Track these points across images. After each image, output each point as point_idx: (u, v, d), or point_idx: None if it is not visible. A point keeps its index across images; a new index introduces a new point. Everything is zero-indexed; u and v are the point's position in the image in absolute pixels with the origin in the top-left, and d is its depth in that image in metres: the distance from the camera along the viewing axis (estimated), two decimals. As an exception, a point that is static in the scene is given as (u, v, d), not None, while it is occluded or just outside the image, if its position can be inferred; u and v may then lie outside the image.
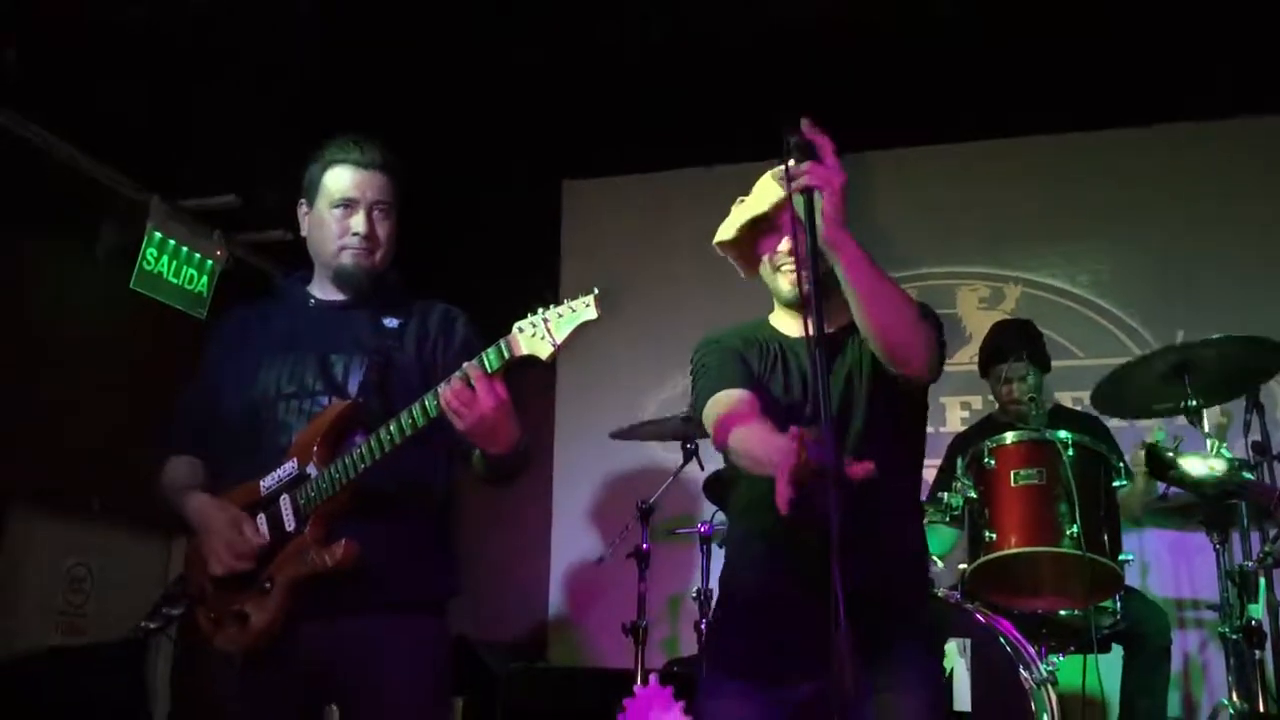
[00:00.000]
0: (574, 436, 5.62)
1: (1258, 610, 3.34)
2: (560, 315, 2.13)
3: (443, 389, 2.20)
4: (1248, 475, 2.42)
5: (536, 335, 2.13)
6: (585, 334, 6.30)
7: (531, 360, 2.17)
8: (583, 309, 2.13)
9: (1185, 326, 5.17)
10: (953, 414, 5.35)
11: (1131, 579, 4.75)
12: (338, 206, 2.49)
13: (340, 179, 2.50)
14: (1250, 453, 4.24)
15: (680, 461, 4.31)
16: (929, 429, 2.60)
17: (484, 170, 5.87)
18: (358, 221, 2.48)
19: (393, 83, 5.35)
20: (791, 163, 2.20)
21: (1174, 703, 4.62)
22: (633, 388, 5.65)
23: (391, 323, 2.52)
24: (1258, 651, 3.29)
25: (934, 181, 5.70)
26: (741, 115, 5.56)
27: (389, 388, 2.41)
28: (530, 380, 5.65)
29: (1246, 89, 5.19)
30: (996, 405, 4.45)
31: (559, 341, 2.12)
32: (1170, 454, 2.58)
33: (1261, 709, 3.26)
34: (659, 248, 5.80)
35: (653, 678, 3.78)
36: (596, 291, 2.16)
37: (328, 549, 2.29)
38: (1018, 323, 4.47)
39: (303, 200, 2.58)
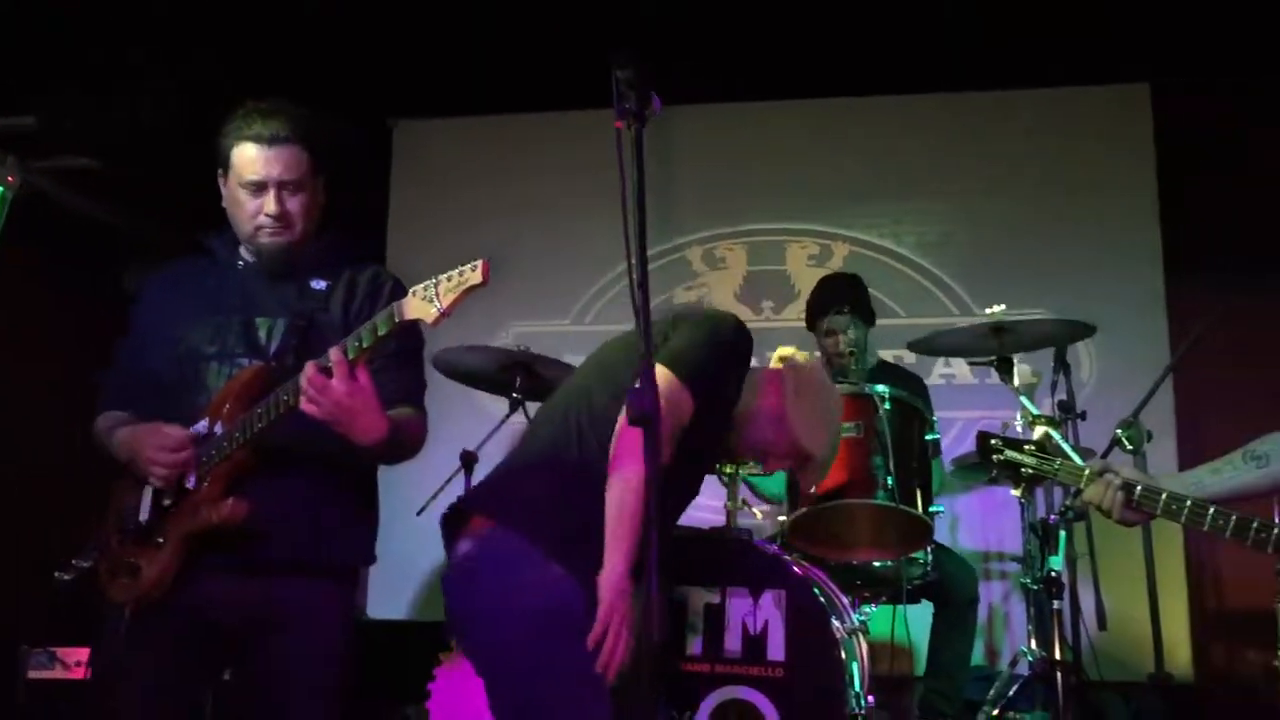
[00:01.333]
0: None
1: (1057, 561, 3.48)
2: (449, 280, 2.09)
3: (305, 373, 2.16)
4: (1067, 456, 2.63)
5: (426, 298, 2.09)
6: (416, 272, 6.13)
7: (416, 325, 2.13)
8: (470, 274, 2.08)
9: (1004, 288, 5.35)
10: (774, 368, 5.44)
11: (941, 534, 4.93)
12: (247, 187, 2.43)
13: (246, 157, 2.42)
14: (1056, 410, 4.45)
15: (506, 410, 4.22)
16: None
17: (311, 107, 5.62)
18: (269, 202, 2.42)
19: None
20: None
21: (978, 651, 4.81)
22: (462, 334, 5.50)
23: (319, 285, 2.50)
24: (1056, 601, 3.42)
25: (767, 137, 5.74)
26: (570, 61, 5.49)
27: (310, 351, 2.33)
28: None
29: (1075, 59, 5.38)
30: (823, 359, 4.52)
31: (444, 307, 2.07)
32: (996, 439, 2.73)
33: (1057, 655, 3.40)
34: (490, 190, 5.70)
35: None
36: (487, 259, 2.10)
37: (216, 506, 2.28)
38: (844, 276, 4.52)
39: (220, 169, 2.48)
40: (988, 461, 2.72)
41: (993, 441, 2.68)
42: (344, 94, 5.63)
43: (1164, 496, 2.31)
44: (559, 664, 2.15)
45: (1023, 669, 3.72)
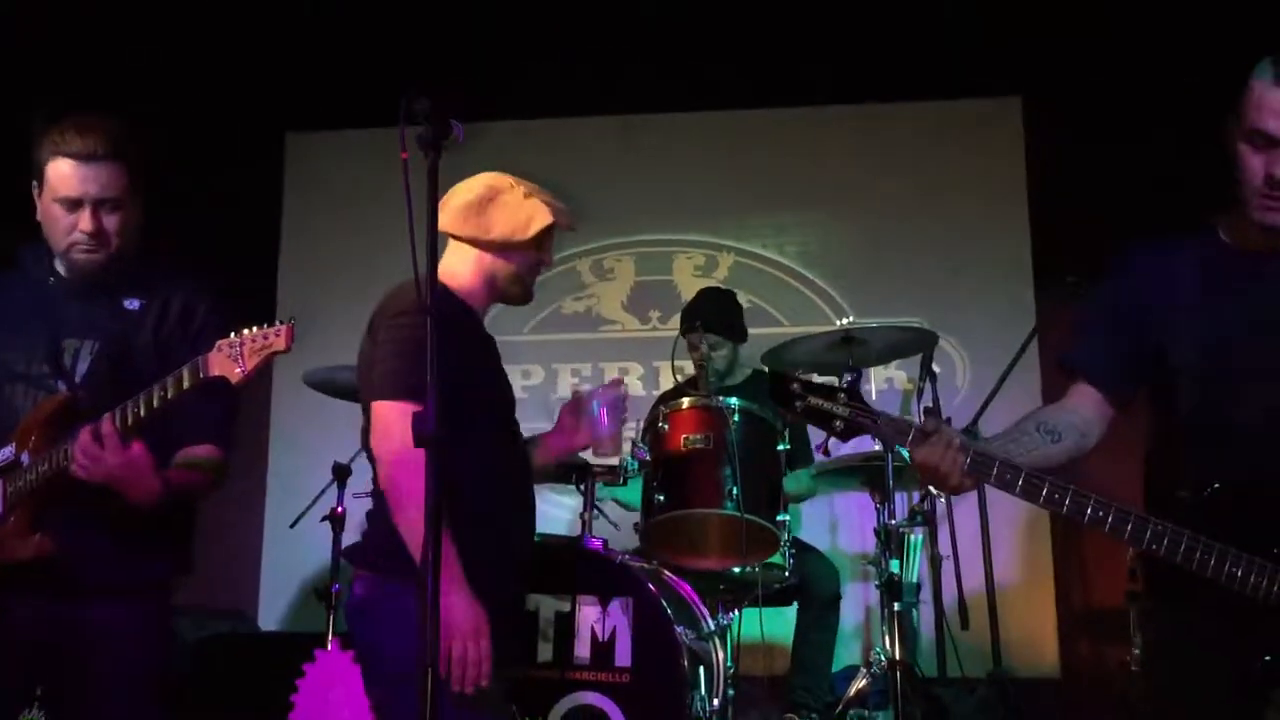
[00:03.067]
0: (291, 393, 5.49)
1: (895, 565, 3.60)
2: (254, 342, 2.14)
3: (80, 435, 2.22)
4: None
5: (231, 356, 2.15)
6: (303, 289, 6.14)
7: (222, 380, 2.17)
8: (275, 339, 2.14)
9: (883, 298, 5.51)
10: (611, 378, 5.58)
11: (821, 535, 5.07)
12: (62, 203, 2.39)
13: (61, 174, 2.38)
14: (922, 417, 4.59)
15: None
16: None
17: (204, 122, 5.65)
18: (84, 220, 2.39)
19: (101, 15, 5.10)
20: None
21: (854, 652, 4.95)
22: (352, 345, 5.55)
23: (132, 304, 2.48)
24: (896, 603, 3.54)
25: (654, 150, 5.84)
26: (480, 71, 5.57)
27: (120, 376, 2.37)
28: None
29: (950, 72, 5.53)
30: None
31: (247, 369, 2.14)
32: (796, 384, 2.16)
33: (896, 656, 3.52)
34: (383, 203, 5.73)
35: (334, 642, 3.78)
36: (292, 321, 2.18)
37: (24, 541, 2.31)
38: (713, 292, 4.61)
39: (34, 180, 2.46)
40: (786, 409, 2.19)
41: (793, 387, 2.15)
42: (239, 105, 5.68)
43: (996, 463, 2.07)
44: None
45: (878, 669, 3.85)
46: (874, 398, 4.49)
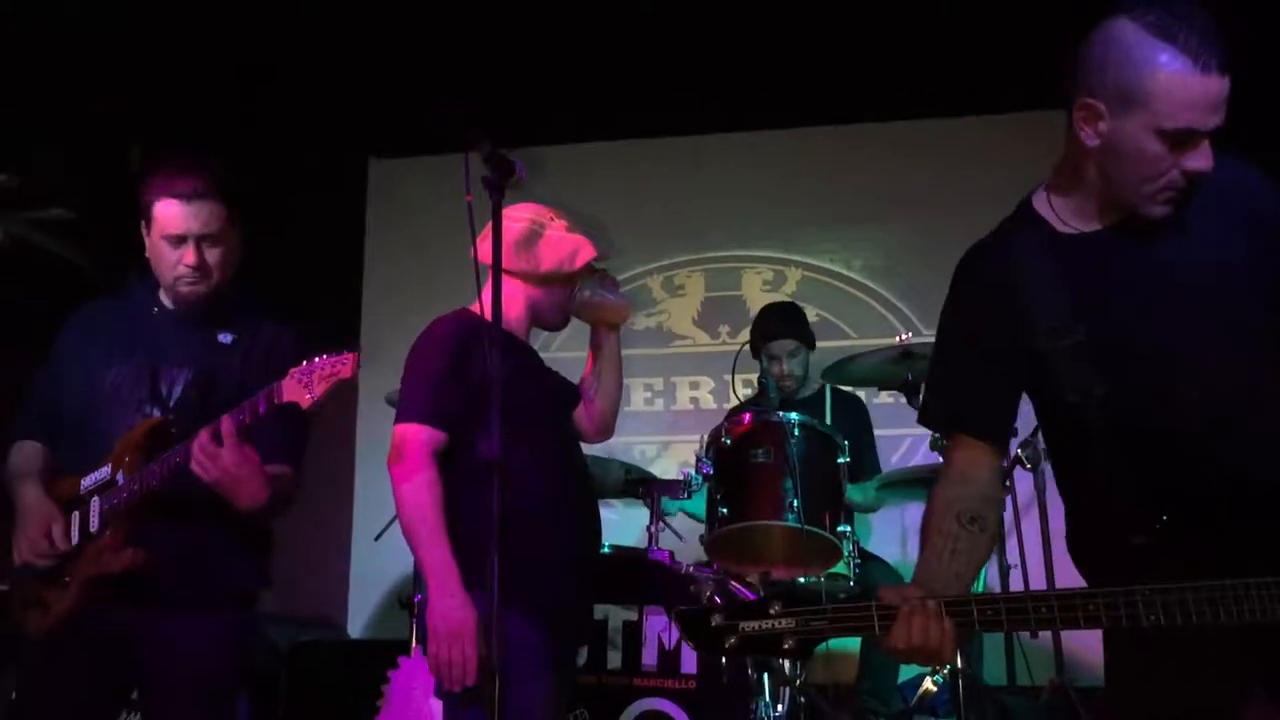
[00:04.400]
0: (375, 411, 5.72)
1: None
2: (323, 369, 2.30)
3: (196, 438, 2.38)
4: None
5: (302, 383, 2.31)
6: (386, 311, 6.35)
7: (294, 405, 2.33)
8: (341, 368, 2.30)
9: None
10: (683, 393, 5.75)
11: (891, 545, 5.13)
12: (168, 239, 2.57)
13: (167, 213, 2.56)
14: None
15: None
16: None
17: (289, 149, 5.91)
18: (188, 254, 2.56)
19: (185, 57, 5.37)
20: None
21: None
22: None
23: (226, 338, 2.67)
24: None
25: (722, 169, 5.97)
26: (555, 97, 5.77)
27: (209, 405, 2.53)
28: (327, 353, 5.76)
29: (1024, 84, 5.55)
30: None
31: (317, 395, 2.30)
32: (716, 616, 1.77)
33: (959, 664, 3.58)
34: (463, 226, 5.93)
35: (416, 649, 3.96)
36: (359, 350, 2.34)
37: (118, 554, 2.48)
38: (784, 305, 4.73)
39: (142, 219, 2.65)
40: (714, 652, 1.79)
41: (713, 622, 1.78)
42: (323, 131, 5.94)
43: (974, 604, 1.77)
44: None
45: (943, 677, 3.93)
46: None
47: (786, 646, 1.77)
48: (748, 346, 4.47)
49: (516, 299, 2.73)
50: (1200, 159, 1.82)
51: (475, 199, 2.26)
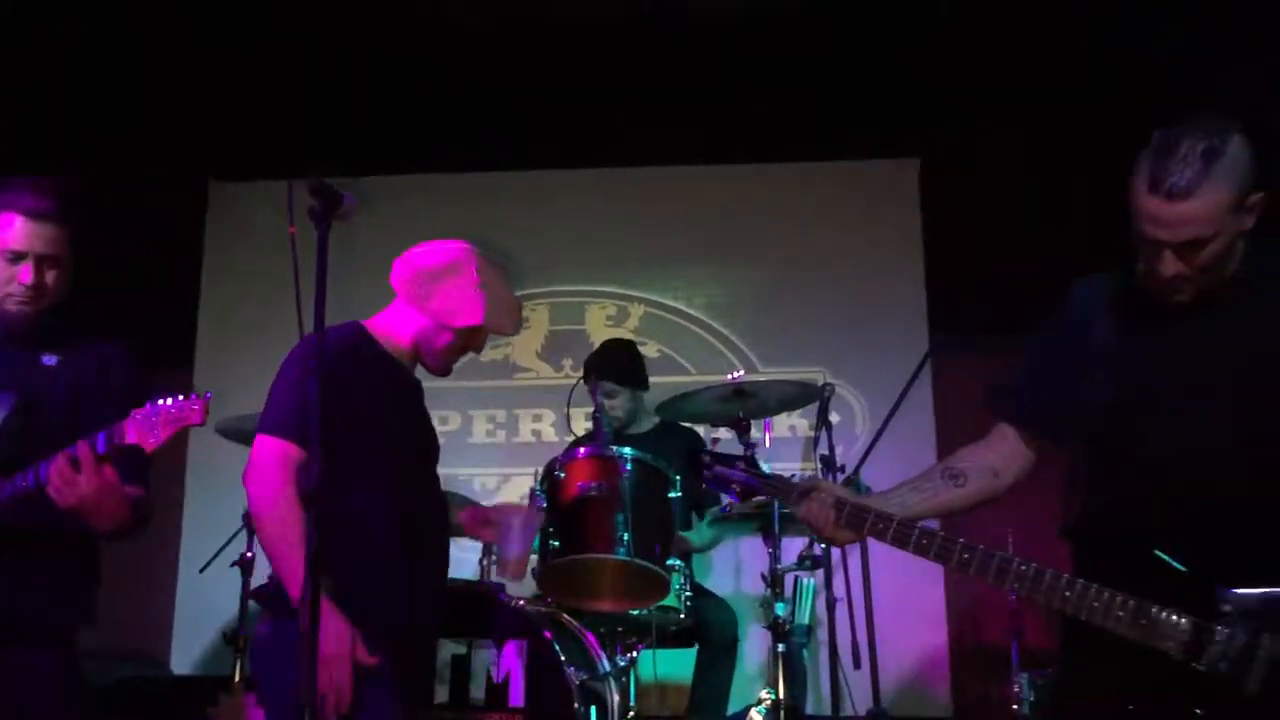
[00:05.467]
0: (205, 441, 5.56)
1: (781, 608, 3.77)
2: (169, 413, 2.26)
3: (53, 461, 2.30)
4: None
5: (146, 426, 2.25)
6: (220, 338, 6.18)
7: (136, 450, 2.27)
8: (190, 414, 2.27)
9: (787, 350, 5.75)
10: (525, 425, 5.79)
11: (725, 579, 5.24)
12: (4, 254, 2.49)
13: (9, 228, 2.49)
14: (819, 465, 4.80)
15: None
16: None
17: (126, 170, 5.75)
18: (25, 272, 2.49)
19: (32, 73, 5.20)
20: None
21: (757, 692, 5.10)
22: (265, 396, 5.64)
23: (49, 360, 2.58)
24: (781, 644, 3.71)
25: (569, 203, 6.04)
26: (397, 127, 5.74)
27: (33, 431, 2.45)
28: (160, 379, 5.59)
29: (870, 133, 5.81)
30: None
31: (161, 439, 2.26)
32: (706, 456, 2.53)
33: (781, 695, 3.68)
34: (302, 255, 5.85)
35: (237, 685, 3.87)
36: (209, 396, 2.31)
37: None
38: (618, 344, 4.79)
39: None
40: (699, 477, 2.54)
41: (704, 457, 2.51)
42: (162, 152, 5.79)
43: (871, 515, 2.22)
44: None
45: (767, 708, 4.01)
46: (769, 446, 4.66)
47: (735, 489, 2.45)
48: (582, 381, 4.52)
49: (408, 327, 2.68)
50: (1165, 266, 2.08)
51: (299, 230, 2.23)
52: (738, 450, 4.03)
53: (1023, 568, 2.12)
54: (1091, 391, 2.21)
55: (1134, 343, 2.20)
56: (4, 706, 2.44)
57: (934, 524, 2.42)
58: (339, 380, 2.38)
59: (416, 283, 2.65)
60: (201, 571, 4.44)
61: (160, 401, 2.28)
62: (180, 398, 2.28)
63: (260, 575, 4.42)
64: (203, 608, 5.31)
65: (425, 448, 2.82)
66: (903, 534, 2.20)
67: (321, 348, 2.24)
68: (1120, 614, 2.04)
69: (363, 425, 2.51)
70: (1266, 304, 2.13)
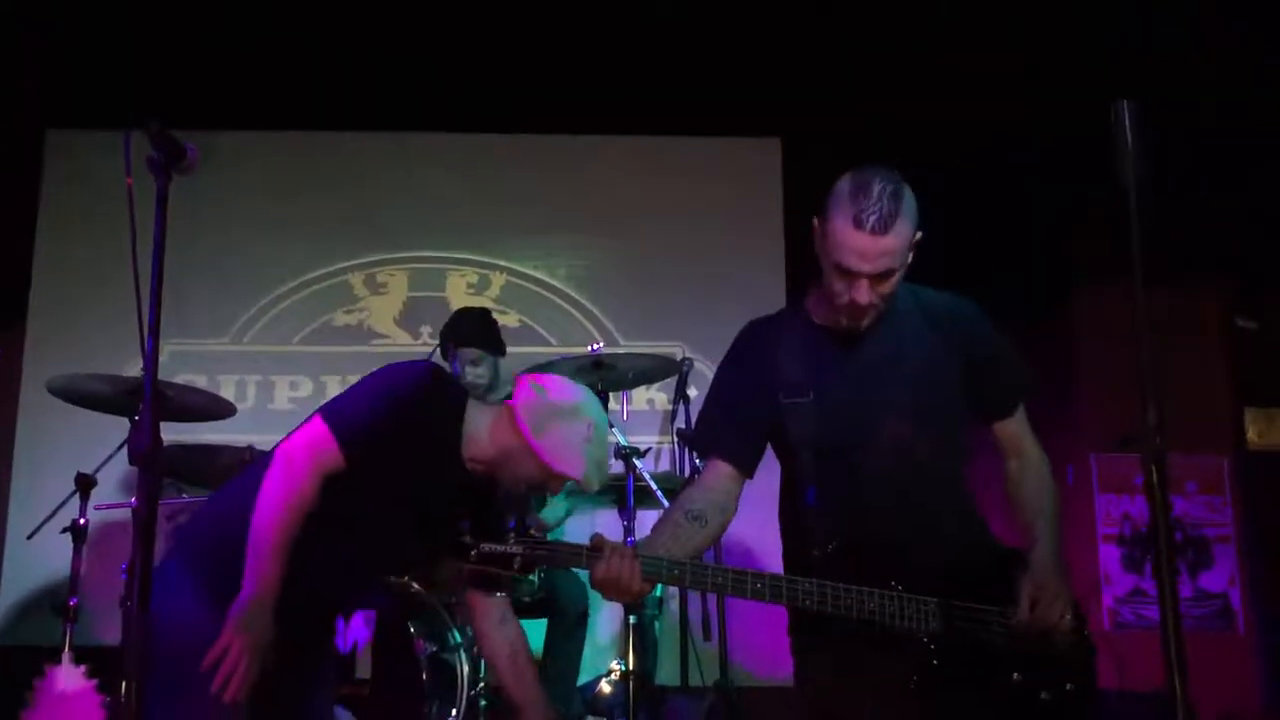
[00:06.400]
0: (36, 399, 5.30)
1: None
2: None
3: None
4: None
5: None
6: (56, 292, 5.91)
7: None
8: None
9: (647, 322, 5.77)
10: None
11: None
12: None
13: None
14: (676, 439, 4.84)
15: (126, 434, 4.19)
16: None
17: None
18: None
19: None
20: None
21: (608, 663, 5.13)
22: (114, 353, 5.38)
23: None
24: (632, 617, 3.73)
25: (431, 167, 5.92)
26: (252, 80, 5.53)
27: None
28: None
29: (717, 112, 5.83)
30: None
31: None
32: (466, 536, 2.29)
33: (631, 666, 3.70)
34: (141, 209, 5.60)
35: (66, 656, 3.71)
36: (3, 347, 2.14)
37: None
38: (467, 310, 4.73)
39: None
40: (462, 560, 2.23)
41: (464, 539, 2.24)
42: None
43: (664, 564, 2.23)
44: (180, 679, 2.27)
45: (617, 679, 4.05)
46: (626, 419, 4.68)
47: (515, 565, 2.21)
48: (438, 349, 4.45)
49: (501, 438, 2.56)
50: (860, 295, 2.31)
51: (136, 181, 2.12)
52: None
53: (807, 585, 2.24)
54: (794, 421, 2.40)
55: (825, 371, 2.42)
56: None
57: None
58: (410, 419, 2.43)
59: (539, 411, 2.55)
60: (29, 537, 4.22)
61: None
62: None
63: (95, 542, 4.25)
64: (29, 575, 5.09)
65: (395, 532, 2.65)
66: (699, 578, 2.27)
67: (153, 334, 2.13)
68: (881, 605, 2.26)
69: (366, 471, 2.44)
70: (908, 329, 2.46)
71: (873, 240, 2.26)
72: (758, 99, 5.75)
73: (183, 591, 2.39)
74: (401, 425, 2.45)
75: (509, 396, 4.52)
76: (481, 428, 2.57)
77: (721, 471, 2.47)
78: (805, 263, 5.71)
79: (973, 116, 5.39)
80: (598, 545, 2.23)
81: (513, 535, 2.22)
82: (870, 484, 2.39)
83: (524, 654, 2.77)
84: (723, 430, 2.50)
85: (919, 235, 2.36)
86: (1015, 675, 2.30)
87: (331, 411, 2.46)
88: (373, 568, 2.72)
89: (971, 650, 2.29)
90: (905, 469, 2.40)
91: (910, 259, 2.36)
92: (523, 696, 2.75)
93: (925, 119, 5.43)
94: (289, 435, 2.47)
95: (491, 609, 2.75)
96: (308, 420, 2.46)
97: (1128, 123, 2.01)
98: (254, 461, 2.69)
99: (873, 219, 2.25)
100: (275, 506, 2.35)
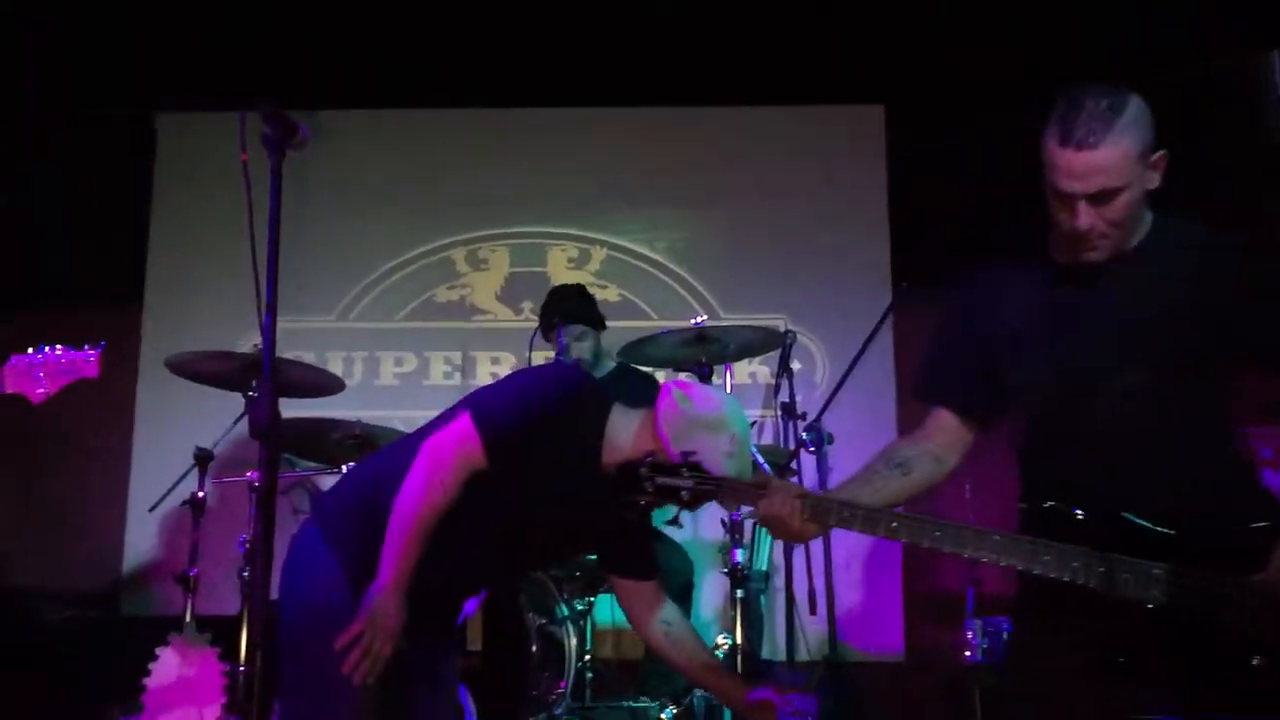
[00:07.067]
0: (155, 377, 5.45)
1: (740, 554, 3.77)
2: (60, 363, 2.15)
3: None
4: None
5: (30, 374, 2.12)
6: (171, 266, 6.07)
7: (20, 398, 2.15)
8: (85, 366, 2.18)
9: (750, 295, 5.71)
10: (482, 368, 5.71)
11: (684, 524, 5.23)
12: None
13: None
14: (779, 412, 4.78)
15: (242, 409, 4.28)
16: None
17: (76, 105, 5.59)
18: None
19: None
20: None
21: (713, 637, 5.12)
22: (228, 331, 5.51)
23: None
24: (739, 590, 3.71)
25: (532, 142, 5.92)
26: (361, 61, 5.60)
27: None
28: (110, 317, 5.48)
29: (819, 80, 5.74)
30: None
31: (51, 390, 2.15)
32: (644, 468, 2.28)
33: (738, 640, 3.69)
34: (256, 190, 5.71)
35: (188, 625, 3.82)
36: (104, 345, 2.22)
37: None
38: (564, 287, 4.74)
39: None
40: (639, 493, 2.25)
41: (641, 470, 2.25)
42: (106, 88, 5.61)
43: (835, 504, 2.19)
44: (311, 652, 2.37)
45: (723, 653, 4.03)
46: (731, 392, 4.63)
47: (684, 497, 2.23)
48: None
49: (641, 445, 2.49)
50: (1080, 219, 2.14)
51: (251, 158, 2.15)
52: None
53: (996, 537, 2.12)
54: (1023, 370, 2.25)
55: (1061, 313, 2.24)
56: None
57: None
58: (555, 425, 2.45)
59: (682, 422, 2.51)
60: (152, 510, 4.36)
61: (48, 349, 2.15)
62: (71, 348, 2.16)
63: (213, 514, 4.37)
64: (153, 547, 5.25)
65: (545, 546, 2.75)
66: (872, 520, 2.18)
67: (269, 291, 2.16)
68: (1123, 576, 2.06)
69: (524, 474, 2.46)
70: (1173, 270, 2.20)
71: (1081, 156, 2.10)
72: (860, 64, 5.64)
73: (321, 561, 2.46)
74: (547, 430, 2.46)
75: (612, 370, 4.59)
76: (624, 434, 2.54)
77: (943, 421, 2.36)
78: (910, 232, 5.67)
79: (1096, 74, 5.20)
80: (764, 482, 2.26)
81: (685, 470, 2.23)
82: (1103, 437, 2.19)
83: (687, 637, 2.74)
84: (945, 376, 2.39)
85: (1160, 154, 2.16)
86: (1256, 660, 2.03)
87: (479, 410, 2.47)
88: (507, 562, 2.74)
89: (1203, 626, 2.04)
90: (1146, 423, 2.18)
91: (1154, 183, 2.18)
92: (705, 679, 2.78)
93: (1038, 81, 5.26)
94: (435, 427, 2.50)
95: (642, 593, 2.73)
96: (454, 415, 2.48)
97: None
98: (402, 438, 2.73)
99: (1079, 133, 2.10)
100: (417, 500, 2.40)
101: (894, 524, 2.16)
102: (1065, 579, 2.06)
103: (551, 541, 2.68)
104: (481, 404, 2.50)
